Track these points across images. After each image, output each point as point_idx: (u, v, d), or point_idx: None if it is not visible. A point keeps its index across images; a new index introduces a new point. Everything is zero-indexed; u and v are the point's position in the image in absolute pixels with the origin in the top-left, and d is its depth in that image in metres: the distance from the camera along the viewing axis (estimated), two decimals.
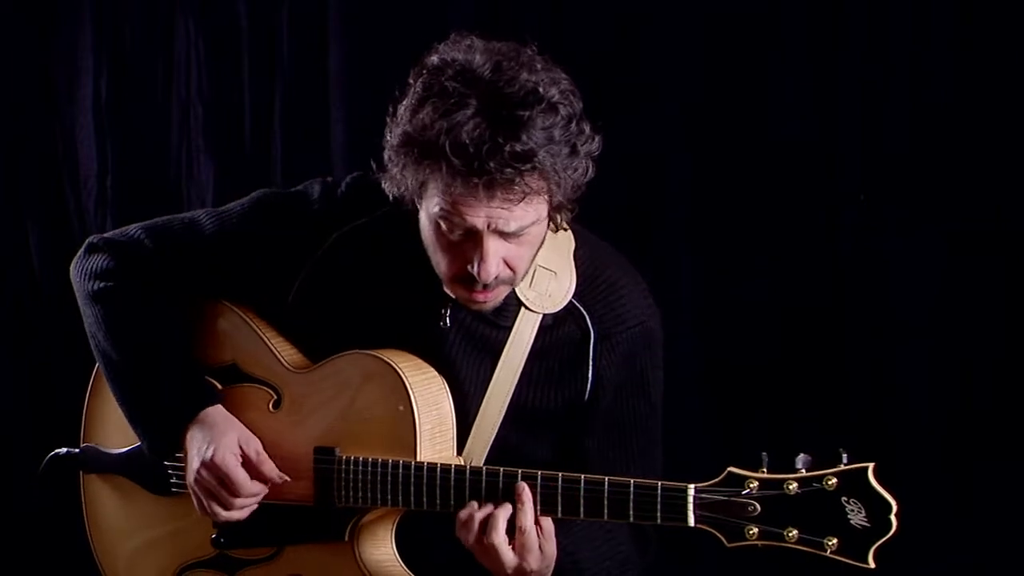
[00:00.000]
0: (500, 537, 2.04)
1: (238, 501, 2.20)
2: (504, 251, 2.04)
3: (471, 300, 2.10)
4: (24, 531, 3.49)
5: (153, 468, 2.34)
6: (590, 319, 2.19)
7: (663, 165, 3.19)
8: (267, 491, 2.22)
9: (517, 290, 2.16)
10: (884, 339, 3.10)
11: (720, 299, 3.15)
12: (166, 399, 2.25)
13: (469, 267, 2.04)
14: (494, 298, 2.11)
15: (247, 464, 2.21)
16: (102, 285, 2.30)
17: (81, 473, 2.45)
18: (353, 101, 3.38)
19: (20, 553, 3.55)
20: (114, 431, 2.40)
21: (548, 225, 2.10)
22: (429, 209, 2.05)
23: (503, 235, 2.02)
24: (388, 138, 2.05)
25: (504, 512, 2.05)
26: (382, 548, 2.22)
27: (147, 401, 2.27)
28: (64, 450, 2.47)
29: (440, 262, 2.09)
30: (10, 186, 3.59)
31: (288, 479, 2.21)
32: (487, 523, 2.04)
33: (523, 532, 2.04)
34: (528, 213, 2.01)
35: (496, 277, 2.05)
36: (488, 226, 2.00)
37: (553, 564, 2.08)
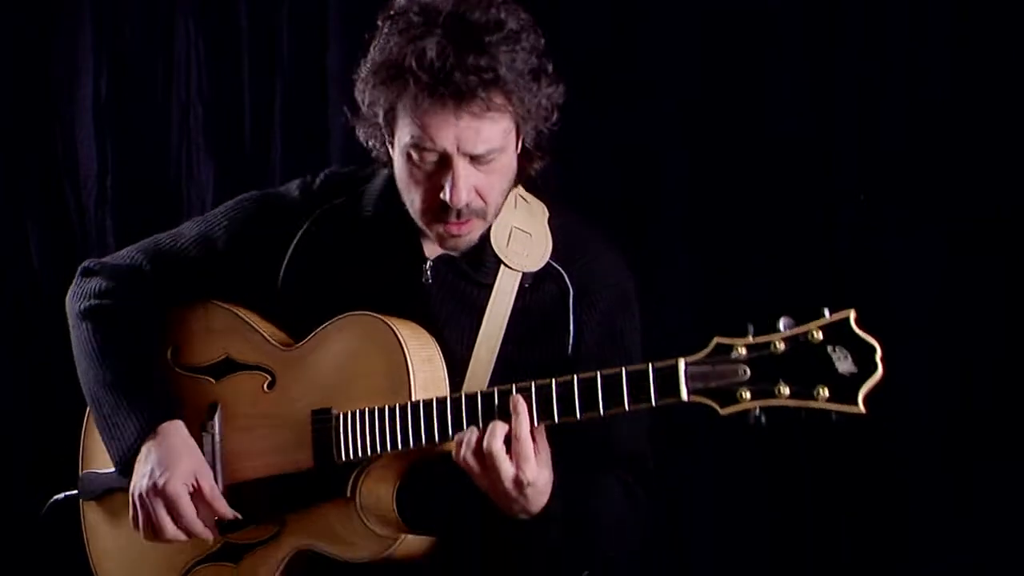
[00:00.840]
0: (498, 445, 2.03)
1: (172, 531, 2.22)
2: (475, 179, 2.13)
3: (447, 234, 2.18)
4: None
5: None
6: (568, 277, 2.26)
7: (659, 161, 3.19)
8: (211, 536, 2.24)
9: (496, 248, 2.24)
10: (883, 339, 3.09)
11: (717, 298, 3.14)
12: (128, 413, 2.28)
13: (442, 195, 2.12)
14: (468, 231, 2.18)
15: (197, 496, 2.24)
16: (95, 303, 2.37)
17: (81, 502, 2.47)
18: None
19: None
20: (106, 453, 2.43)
21: (519, 173, 2.21)
22: (401, 142, 2.14)
23: (473, 160, 2.11)
24: (359, 76, 2.18)
25: (501, 426, 2.05)
26: (383, 505, 2.20)
27: (112, 415, 2.30)
28: (63, 495, 2.49)
29: (415, 198, 2.17)
30: (10, 186, 3.60)
31: (239, 516, 2.24)
32: (485, 435, 2.04)
33: (519, 440, 2.03)
34: (494, 134, 2.11)
35: (468, 206, 2.14)
36: (457, 148, 2.10)
37: (548, 490, 2.07)
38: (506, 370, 2.21)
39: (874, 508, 3.10)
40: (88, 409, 2.45)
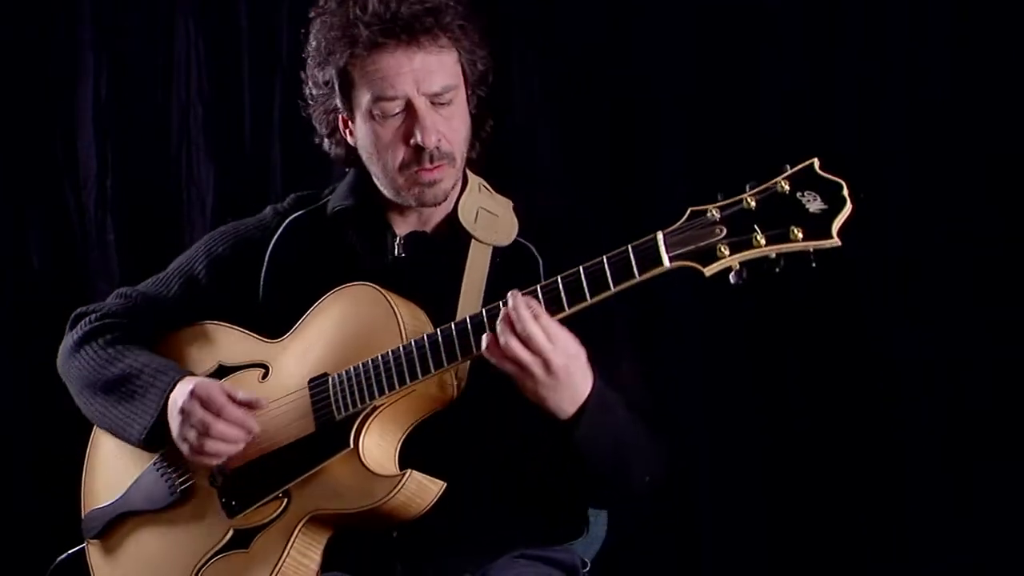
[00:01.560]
0: (543, 321, 2.04)
1: (220, 425, 2.23)
2: (439, 123, 2.24)
3: (424, 181, 2.26)
4: None
5: (154, 485, 2.39)
6: (536, 250, 2.31)
7: (656, 158, 3.19)
8: (255, 426, 2.25)
9: (464, 224, 2.31)
10: (883, 338, 3.10)
11: (715, 297, 3.14)
12: (151, 385, 2.31)
13: (412, 140, 2.23)
14: (441, 176, 2.26)
15: (232, 400, 2.27)
16: (87, 331, 2.43)
17: (87, 544, 2.47)
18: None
19: None
20: (108, 488, 2.45)
21: (472, 138, 2.31)
22: (362, 106, 2.26)
23: (433, 103, 2.23)
24: (306, 63, 2.31)
25: (524, 313, 2.05)
26: (387, 458, 2.21)
27: (135, 398, 2.33)
28: (66, 555, 2.51)
29: (388, 159, 2.27)
30: (10, 186, 3.59)
31: (272, 404, 2.27)
32: (516, 317, 2.04)
33: (541, 320, 2.05)
34: (447, 69, 2.24)
35: (439, 149, 2.24)
36: (417, 88, 2.22)
37: (588, 376, 2.09)
38: None
39: (874, 508, 3.11)
40: (87, 455, 2.49)
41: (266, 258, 2.39)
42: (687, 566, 3.26)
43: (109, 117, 3.57)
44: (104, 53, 3.56)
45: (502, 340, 2.05)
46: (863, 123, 3.07)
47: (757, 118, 3.12)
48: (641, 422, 2.22)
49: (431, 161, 2.24)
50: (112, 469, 2.45)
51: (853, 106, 3.07)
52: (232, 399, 2.26)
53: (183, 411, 2.25)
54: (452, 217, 2.34)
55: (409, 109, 2.23)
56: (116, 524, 2.42)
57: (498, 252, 2.31)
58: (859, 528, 3.11)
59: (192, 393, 2.25)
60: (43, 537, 2.66)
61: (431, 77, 2.23)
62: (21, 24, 3.56)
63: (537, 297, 2.07)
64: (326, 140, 2.38)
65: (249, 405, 2.26)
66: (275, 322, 2.35)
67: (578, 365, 2.08)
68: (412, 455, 2.22)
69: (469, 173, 2.37)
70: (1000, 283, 2.99)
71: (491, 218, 2.33)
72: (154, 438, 2.32)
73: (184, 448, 2.28)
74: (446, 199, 2.31)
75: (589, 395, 2.10)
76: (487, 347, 2.06)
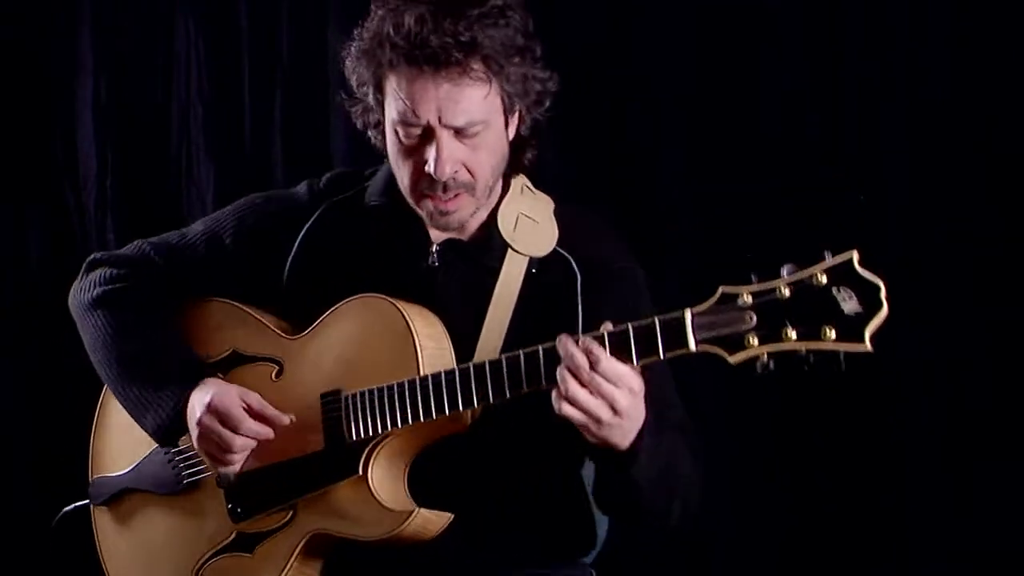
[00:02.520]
0: (602, 366, 1.98)
1: (238, 440, 2.21)
2: (460, 153, 2.15)
3: (436, 211, 2.19)
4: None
5: (162, 469, 2.38)
6: (576, 263, 2.25)
7: (656, 158, 3.19)
8: (271, 434, 2.23)
9: (503, 232, 2.25)
10: (884, 338, 3.09)
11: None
12: (166, 380, 2.28)
13: (426, 168, 2.14)
14: (456, 208, 2.19)
15: (248, 411, 2.23)
16: (106, 289, 2.38)
17: (92, 507, 2.47)
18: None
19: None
20: (119, 456, 2.44)
21: (512, 162, 2.23)
22: (389, 118, 2.18)
23: (457, 134, 2.14)
24: (349, 56, 2.22)
25: (590, 359, 1.99)
26: (396, 486, 2.20)
27: (150, 385, 2.30)
28: (73, 506, 2.50)
29: (404, 175, 2.20)
30: (10, 186, 3.59)
31: (294, 418, 2.22)
32: (577, 366, 1.98)
33: (605, 365, 1.98)
34: (475, 105, 2.13)
35: (454, 179, 2.15)
36: (439, 119, 2.12)
37: (641, 418, 2.03)
38: None
39: (874, 508, 3.11)
40: (96, 414, 2.46)
41: (297, 242, 2.33)
42: (690, 563, 3.25)
43: (109, 117, 3.57)
44: (104, 53, 3.56)
45: (566, 390, 1.98)
46: (863, 123, 3.07)
47: (757, 118, 3.12)
48: (686, 447, 2.18)
49: (444, 190, 2.17)
50: (122, 438, 2.42)
51: (854, 106, 3.07)
52: (249, 409, 2.22)
53: (200, 423, 2.22)
54: (491, 222, 2.27)
55: (429, 134, 2.14)
56: (124, 496, 2.42)
57: (535, 261, 2.25)
58: (859, 528, 3.10)
59: (209, 407, 2.21)
60: (42, 536, 2.65)
61: (455, 109, 2.12)
62: (21, 24, 3.56)
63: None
64: (369, 131, 2.29)
65: (269, 420, 2.23)
66: (294, 309, 2.32)
67: (640, 400, 2.02)
68: (420, 478, 2.20)
69: (512, 176, 2.30)
70: (1000, 283, 2.99)
71: (531, 225, 2.27)
72: (167, 435, 2.30)
73: (206, 460, 2.27)
74: (462, 225, 2.24)
75: (643, 425, 2.04)
76: (553, 401, 1.99)
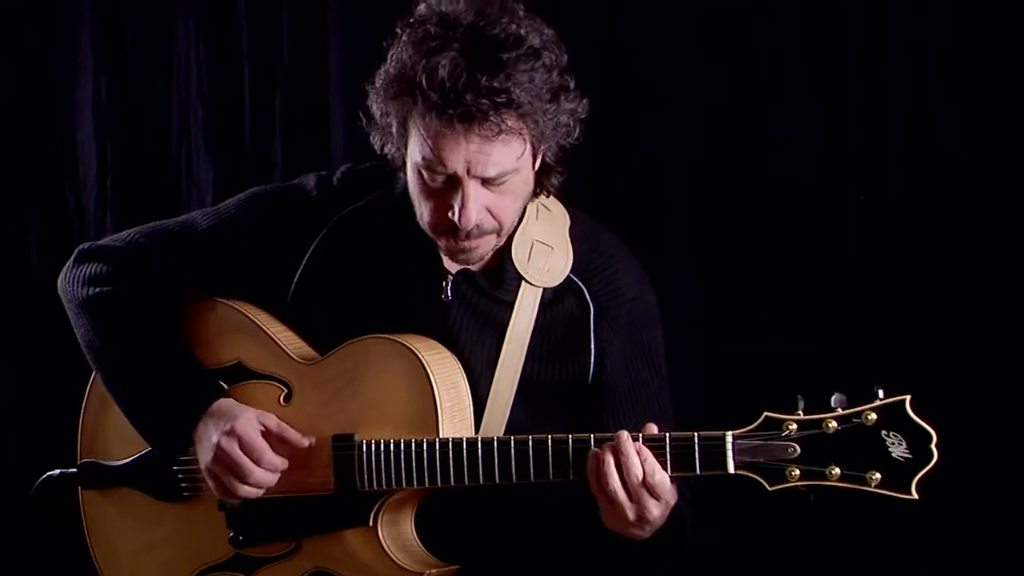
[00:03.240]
0: (648, 480, 1.98)
1: (258, 473, 2.15)
2: (486, 200, 2.07)
3: (456, 249, 2.13)
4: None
5: (162, 474, 2.32)
6: (589, 293, 2.22)
7: (657, 159, 3.19)
8: (287, 465, 2.18)
9: (517, 264, 2.20)
10: (884, 338, 3.10)
11: (718, 300, 3.14)
12: (176, 397, 2.22)
13: (450, 214, 2.07)
14: (480, 248, 2.13)
15: (267, 436, 2.18)
16: (97, 290, 2.28)
17: (80, 490, 2.40)
18: (353, 101, 3.38)
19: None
20: (115, 443, 2.37)
21: (536, 187, 2.15)
22: (412, 157, 2.08)
23: (484, 182, 2.05)
24: (374, 85, 2.11)
25: (636, 464, 1.99)
26: (404, 531, 2.19)
27: (155, 402, 2.24)
28: (58, 471, 2.43)
29: (424, 212, 2.12)
30: (10, 186, 3.59)
31: (315, 441, 2.17)
32: (630, 471, 1.97)
33: (654, 478, 1.98)
34: (506, 157, 2.04)
35: (479, 226, 2.08)
36: (468, 171, 2.03)
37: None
38: (528, 389, 2.19)
39: (874, 507, 3.10)
40: (89, 389, 2.39)
41: (307, 255, 2.26)
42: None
43: (109, 117, 3.56)
44: (104, 53, 3.56)
45: (609, 487, 1.97)
46: (863, 123, 3.07)
47: (761, 119, 3.12)
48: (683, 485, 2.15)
49: (467, 237, 2.10)
50: (117, 424, 2.34)
51: (855, 107, 3.07)
52: (266, 433, 2.17)
53: (219, 447, 2.15)
54: (505, 251, 2.20)
55: (455, 181, 2.05)
56: (117, 488, 2.35)
57: (548, 290, 2.22)
58: (859, 528, 3.10)
59: (232, 431, 2.15)
60: (40, 536, 2.65)
61: (486, 162, 2.03)
62: (21, 24, 3.55)
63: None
64: (385, 150, 2.19)
65: (282, 440, 2.17)
66: (303, 321, 2.27)
67: (667, 513, 2.01)
68: (426, 523, 2.19)
69: None
70: (1001, 282, 2.99)
71: (546, 252, 2.21)
72: (174, 453, 2.26)
73: (211, 483, 2.20)
74: (482, 260, 2.18)
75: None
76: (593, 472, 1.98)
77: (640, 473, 1.96)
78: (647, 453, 1.96)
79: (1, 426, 3.60)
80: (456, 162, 2.03)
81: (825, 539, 3.13)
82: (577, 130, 2.14)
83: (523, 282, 2.20)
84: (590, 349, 2.21)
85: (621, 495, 1.97)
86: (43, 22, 3.56)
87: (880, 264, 3.07)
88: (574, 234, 2.26)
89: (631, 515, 1.98)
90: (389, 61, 2.08)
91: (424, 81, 1.99)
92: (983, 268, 3.00)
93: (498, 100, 1.98)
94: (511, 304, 2.20)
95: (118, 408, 2.31)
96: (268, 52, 3.48)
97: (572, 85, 2.10)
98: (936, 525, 3.05)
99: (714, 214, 3.15)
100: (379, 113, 2.12)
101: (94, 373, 2.38)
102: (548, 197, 2.25)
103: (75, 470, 2.40)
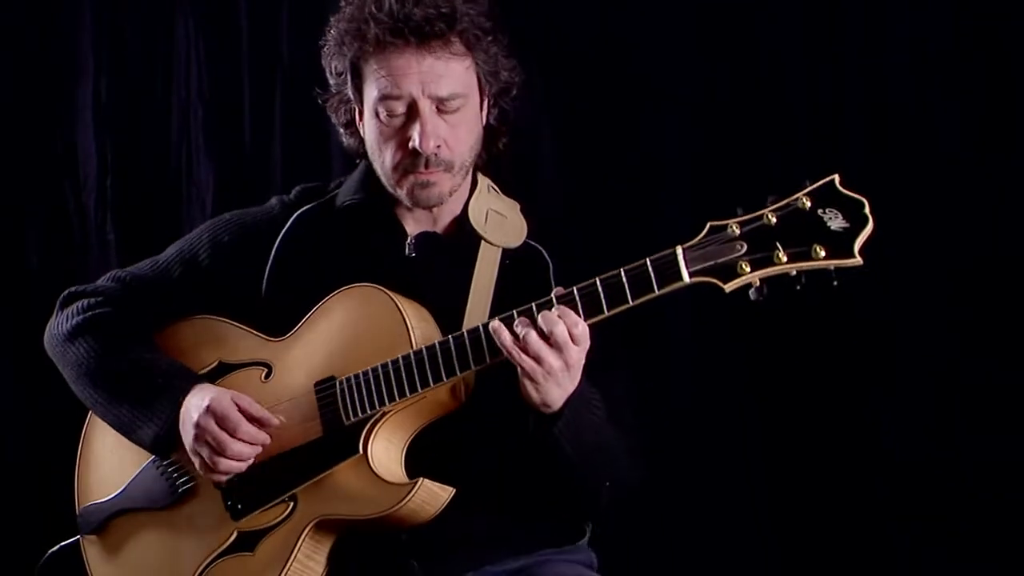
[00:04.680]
0: (559, 330, 2.05)
1: (235, 445, 2.22)
2: (442, 128, 2.23)
3: (417, 184, 2.26)
4: None
5: (157, 482, 2.37)
6: (546, 253, 2.32)
7: (658, 158, 3.20)
8: (267, 439, 2.25)
9: (475, 225, 2.32)
10: (884, 338, 3.10)
11: (719, 302, 3.14)
12: (157, 389, 2.30)
13: (410, 144, 2.22)
14: (438, 184, 2.26)
15: (242, 412, 2.25)
16: (85, 317, 2.39)
17: (82, 540, 2.45)
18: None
19: None
20: (105, 482, 2.44)
21: (484, 151, 2.30)
22: (369, 100, 2.26)
23: (439, 109, 2.22)
24: (323, 55, 2.34)
25: (550, 316, 2.06)
26: (394, 458, 2.21)
27: (140, 399, 2.31)
28: (58, 546, 2.49)
29: (386, 157, 2.27)
30: (10, 186, 3.59)
31: (284, 420, 2.25)
32: (539, 324, 2.05)
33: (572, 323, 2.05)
34: (457, 78, 2.23)
35: (436, 155, 2.23)
36: (423, 91, 2.20)
37: (578, 377, 2.10)
38: None
39: (873, 507, 3.11)
40: (80, 448, 2.47)
41: (273, 253, 2.37)
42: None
43: (109, 117, 3.57)
44: (104, 53, 3.56)
45: (522, 333, 2.04)
46: (864, 122, 3.08)
47: (760, 117, 3.12)
48: (616, 428, 2.22)
49: (426, 166, 2.24)
50: (109, 463, 2.44)
51: (855, 107, 3.07)
52: (246, 415, 2.24)
53: (197, 425, 2.24)
54: (462, 218, 2.34)
55: (412, 111, 2.22)
56: (114, 520, 2.41)
57: (507, 254, 2.32)
58: (859, 527, 3.11)
59: (207, 408, 2.24)
60: (38, 536, 2.65)
61: (438, 81, 2.21)
62: (21, 24, 3.56)
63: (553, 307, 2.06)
64: (342, 130, 2.38)
65: (261, 422, 2.24)
66: (276, 319, 2.34)
67: (583, 357, 2.08)
68: (417, 458, 2.22)
69: (478, 175, 2.37)
70: (1001, 282, 2.99)
71: (500, 219, 2.34)
72: (165, 444, 2.31)
73: (196, 461, 2.27)
74: (441, 202, 2.30)
75: (576, 390, 2.11)
76: (507, 344, 2.06)
77: (561, 324, 2.04)
78: (565, 311, 2.05)
79: (1, 426, 3.59)
80: (411, 83, 2.20)
81: (822, 539, 3.13)
82: (514, 92, 2.32)
83: (482, 241, 2.31)
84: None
85: (542, 347, 2.04)
86: (43, 22, 3.56)
87: (880, 264, 3.06)
88: (524, 211, 2.38)
89: (555, 361, 2.04)
90: (335, 22, 2.30)
91: (373, 8, 2.21)
92: (983, 268, 3.00)
93: (444, 11, 2.20)
94: (472, 262, 2.30)
95: (106, 449, 2.42)
96: (268, 52, 3.49)
97: (505, 41, 2.30)
98: (936, 525, 3.05)
99: (713, 214, 3.14)
100: (333, 72, 2.32)
101: (83, 433, 2.47)
102: (491, 182, 2.38)
103: (76, 538, 2.46)
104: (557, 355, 2.05)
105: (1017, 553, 2.98)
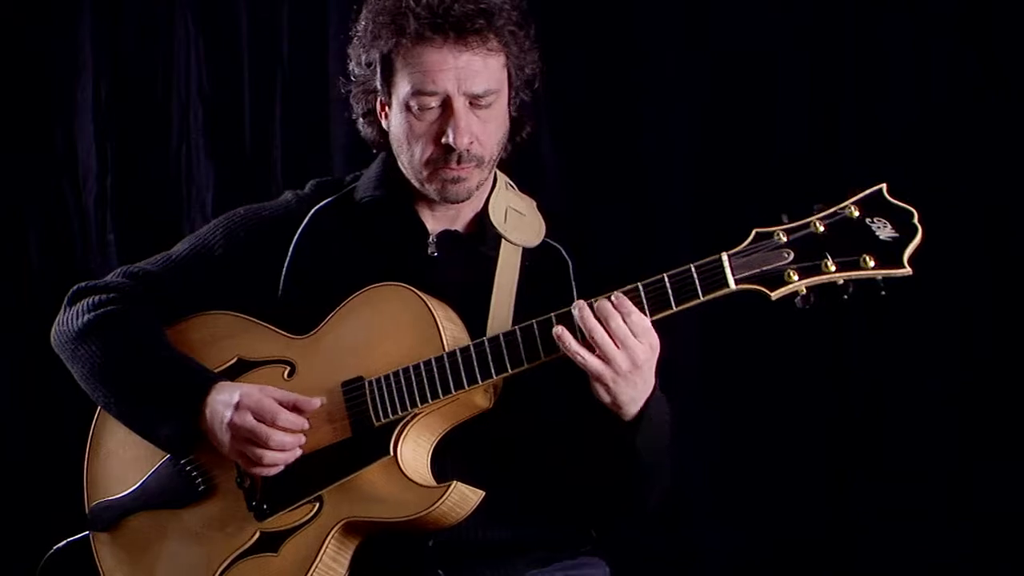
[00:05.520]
0: (633, 318, 2.03)
1: (277, 434, 2.18)
2: (474, 124, 2.20)
3: (448, 179, 2.23)
4: None
5: (174, 482, 2.33)
6: (565, 251, 2.31)
7: (661, 162, 3.20)
8: (306, 425, 2.21)
9: (495, 223, 2.30)
10: (885, 338, 3.10)
11: (717, 303, 3.14)
12: (177, 390, 2.25)
13: (444, 139, 2.19)
14: (469, 179, 2.24)
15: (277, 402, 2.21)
16: (96, 315, 2.33)
17: (92, 537, 2.40)
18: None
19: None
20: (118, 479, 2.39)
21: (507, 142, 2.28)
22: (400, 95, 2.22)
23: (472, 104, 2.19)
24: (353, 37, 2.27)
25: (612, 313, 2.04)
26: (422, 461, 2.19)
27: (158, 399, 2.26)
28: (64, 542, 2.45)
29: (415, 151, 2.24)
30: (10, 186, 3.59)
31: (324, 400, 2.21)
32: (606, 314, 2.02)
33: (631, 318, 2.03)
34: (492, 74, 2.20)
35: (468, 151, 2.20)
36: (458, 88, 2.18)
37: (652, 378, 2.08)
38: None
39: (873, 507, 3.11)
40: (89, 442, 2.42)
41: (290, 250, 2.33)
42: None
43: (109, 117, 3.57)
44: (104, 53, 3.56)
45: (592, 338, 2.02)
46: (864, 123, 3.08)
47: (763, 119, 3.12)
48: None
49: (458, 162, 2.21)
50: (121, 459, 2.38)
51: (855, 107, 3.08)
52: (282, 403, 2.20)
53: (232, 424, 2.18)
54: (482, 216, 2.32)
55: (446, 106, 2.20)
56: (129, 519, 2.36)
57: (527, 253, 2.30)
58: (859, 527, 3.11)
59: (239, 405, 2.19)
60: (37, 537, 2.64)
61: (474, 78, 2.19)
62: (21, 23, 3.56)
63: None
64: (360, 120, 2.34)
65: (299, 408, 2.20)
66: (294, 318, 2.29)
67: (654, 361, 2.06)
68: (443, 460, 2.20)
69: (496, 171, 2.35)
70: (1002, 282, 2.99)
71: (519, 218, 2.33)
72: (183, 444, 2.27)
73: (242, 462, 2.22)
74: (469, 197, 2.27)
75: (651, 394, 2.09)
76: (572, 348, 2.03)
77: (616, 314, 2.02)
78: (619, 297, 2.04)
79: (1, 426, 3.59)
80: (447, 80, 2.17)
81: (821, 539, 3.13)
82: (537, 82, 2.29)
83: (503, 240, 2.29)
84: (573, 300, 2.20)
85: (606, 342, 2.02)
86: (43, 22, 3.56)
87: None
88: (542, 209, 2.36)
89: (623, 362, 2.03)
90: (366, 11, 2.25)
91: (411, 3, 2.17)
92: (984, 267, 3.00)
93: (482, 7, 2.17)
94: (494, 261, 2.28)
95: (118, 445, 2.37)
96: (268, 52, 3.49)
97: (532, 32, 2.26)
98: (936, 525, 3.05)
99: (714, 214, 3.15)
100: (362, 63, 2.26)
101: (92, 427, 2.42)
102: (508, 179, 2.36)
103: (83, 534, 2.41)
104: (624, 353, 2.02)
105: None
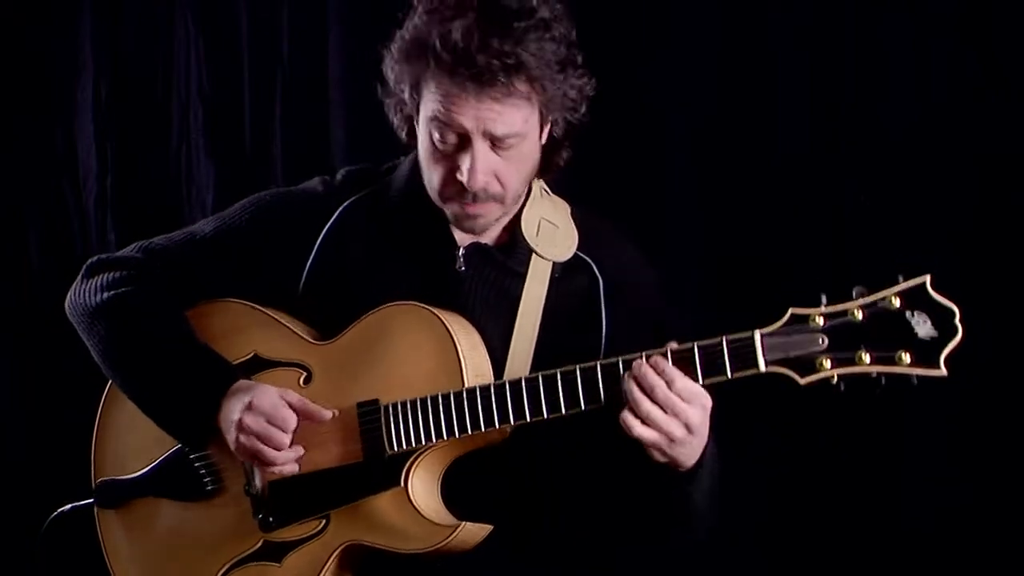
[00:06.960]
0: (677, 385, 1.99)
1: (288, 438, 2.16)
2: (494, 162, 2.12)
3: (463, 214, 2.18)
4: None
5: (184, 474, 2.32)
6: (597, 268, 2.26)
7: (662, 163, 3.19)
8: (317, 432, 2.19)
9: (527, 237, 2.24)
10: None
11: (721, 303, 3.14)
12: (195, 383, 2.22)
13: (459, 175, 2.12)
14: (484, 216, 2.18)
15: (292, 407, 2.19)
16: (113, 293, 2.29)
17: (97, 511, 2.40)
18: (353, 101, 3.38)
19: None
20: (129, 457, 2.37)
21: (544, 163, 2.21)
22: (424, 115, 2.14)
23: (493, 143, 2.11)
24: (389, 51, 2.19)
25: (662, 379, 2.00)
26: (432, 493, 2.18)
27: (176, 390, 2.24)
28: (69, 506, 2.44)
29: (433, 177, 2.17)
30: (10, 186, 3.59)
31: (337, 412, 2.18)
32: (651, 386, 1.98)
33: (680, 386, 1.99)
34: (515, 119, 2.10)
35: (485, 189, 2.13)
36: (477, 128, 2.09)
37: (705, 436, 2.04)
38: (543, 361, 2.18)
39: (873, 507, 3.11)
40: (99, 412, 2.40)
41: (316, 246, 2.29)
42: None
43: (109, 116, 3.57)
44: (104, 53, 3.56)
45: (641, 410, 1.98)
46: (864, 123, 3.08)
47: (763, 119, 3.12)
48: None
49: (474, 200, 2.15)
50: (131, 438, 2.36)
51: (855, 107, 3.07)
52: (296, 411, 2.17)
53: (243, 425, 2.16)
54: (514, 227, 2.26)
55: (465, 141, 2.12)
56: (136, 501, 2.35)
57: (557, 265, 2.26)
58: (859, 528, 3.11)
59: (251, 406, 2.16)
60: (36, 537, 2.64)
61: (495, 121, 2.09)
62: (21, 23, 3.56)
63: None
64: (396, 123, 2.26)
65: (312, 417, 2.18)
66: (313, 316, 2.28)
67: (708, 416, 2.02)
68: (454, 487, 2.18)
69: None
70: (1002, 283, 2.99)
71: (553, 230, 2.27)
72: (198, 440, 2.26)
73: (252, 462, 2.20)
74: (487, 228, 2.23)
75: (707, 447, 2.05)
76: (636, 430, 1.99)
77: (661, 383, 1.97)
78: (660, 362, 1.98)
79: (1, 426, 3.59)
80: (466, 119, 2.09)
81: (821, 539, 3.13)
82: (584, 107, 2.19)
83: (533, 255, 2.25)
84: (601, 323, 2.23)
85: (655, 412, 1.97)
86: (43, 22, 3.56)
87: (880, 264, 3.06)
88: (576, 216, 2.31)
89: (675, 431, 1.98)
90: (405, 28, 2.16)
91: (438, 43, 2.06)
92: (984, 268, 2.99)
93: (508, 62, 2.05)
94: (523, 276, 2.23)
95: (130, 421, 2.33)
96: (268, 52, 3.49)
97: (580, 61, 2.16)
98: (936, 525, 3.05)
99: (713, 214, 3.15)
100: (393, 78, 2.19)
101: (103, 398, 2.40)
102: (551, 177, 2.30)
103: (88, 500, 2.40)
104: (676, 420, 1.98)
105: None
